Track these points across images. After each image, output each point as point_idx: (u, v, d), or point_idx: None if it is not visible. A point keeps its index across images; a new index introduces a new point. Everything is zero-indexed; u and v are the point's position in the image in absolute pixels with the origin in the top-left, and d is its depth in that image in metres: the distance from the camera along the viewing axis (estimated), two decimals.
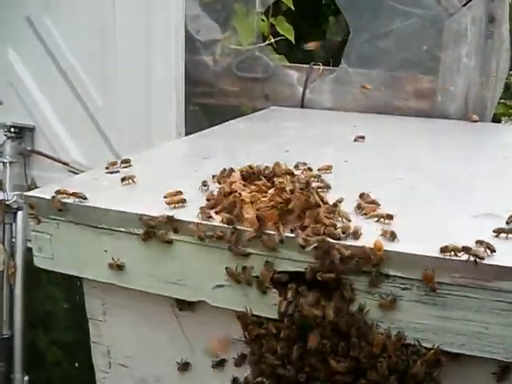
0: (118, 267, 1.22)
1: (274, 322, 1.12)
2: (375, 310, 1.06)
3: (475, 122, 2.48)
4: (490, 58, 2.54)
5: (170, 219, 1.14)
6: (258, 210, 1.08)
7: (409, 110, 2.64)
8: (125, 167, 1.53)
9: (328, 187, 1.29)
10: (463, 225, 1.16)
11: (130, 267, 1.23)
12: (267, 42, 2.83)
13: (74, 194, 1.24)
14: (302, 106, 2.74)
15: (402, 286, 1.04)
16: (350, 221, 1.11)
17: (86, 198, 1.25)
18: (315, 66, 2.77)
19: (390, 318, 1.05)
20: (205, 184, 1.31)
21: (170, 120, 2.69)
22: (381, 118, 2.45)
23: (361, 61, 2.69)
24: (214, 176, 1.33)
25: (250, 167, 1.22)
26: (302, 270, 1.07)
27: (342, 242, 1.04)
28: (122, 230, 1.21)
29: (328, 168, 1.44)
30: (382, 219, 1.14)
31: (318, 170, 1.42)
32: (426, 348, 1.04)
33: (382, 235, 1.06)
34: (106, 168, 1.51)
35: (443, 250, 1.01)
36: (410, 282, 1.03)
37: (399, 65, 2.65)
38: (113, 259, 1.21)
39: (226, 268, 1.12)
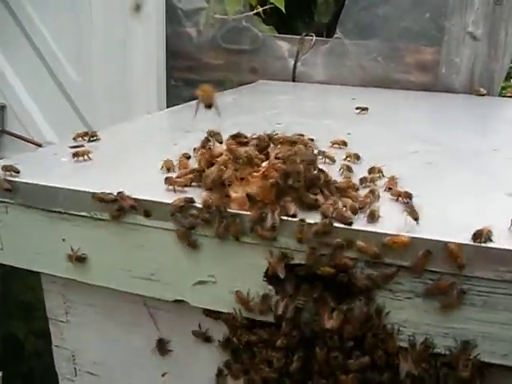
0: (79, 259, 1.03)
1: (270, 326, 0.91)
2: (395, 311, 0.85)
3: (482, 95, 2.27)
4: (499, 27, 2.32)
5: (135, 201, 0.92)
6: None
7: (410, 83, 2.43)
8: (92, 141, 1.30)
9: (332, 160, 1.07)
10: (500, 205, 0.95)
11: (93, 259, 1.02)
12: (255, 11, 2.60)
13: (5, 168, 1.02)
14: (294, 80, 2.51)
15: (430, 282, 0.82)
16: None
17: (18, 172, 1.03)
18: (307, 37, 2.54)
19: (414, 322, 0.85)
20: (187, 157, 1.09)
21: (150, 96, 2.51)
22: (381, 92, 2.23)
23: (357, 30, 2.47)
24: (195, 149, 1.11)
25: (239, 135, 1.00)
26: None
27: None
28: (82, 214, 0.99)
29: (343, 143, 1.22)
30: (399, 197, 0.93)
31: (332, 143, 1.19)
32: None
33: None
34: (74, 139, 1.30)
35: (477, 235, 0.80)
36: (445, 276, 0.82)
37: (399, 34, 2.43)
38: (72, 250, 1.02)
39: None
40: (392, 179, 0.98)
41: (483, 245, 0.78)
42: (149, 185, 1.00)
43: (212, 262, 0.92)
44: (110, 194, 0.95)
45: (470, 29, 2.33)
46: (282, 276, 0.86)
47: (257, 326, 0.92)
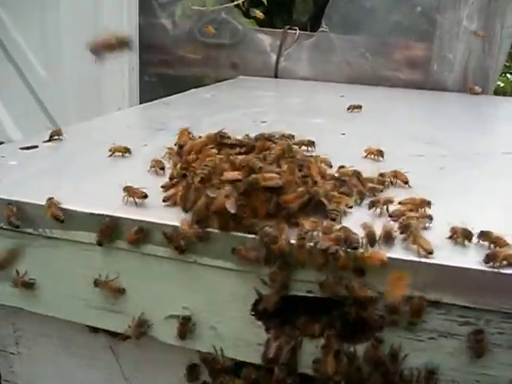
0: (26, 285, 0.86)
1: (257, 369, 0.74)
2: (415, 353, 0.69)
3: (477, 94, 2.13)
4: (494, 22, 2.18)
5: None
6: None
7: (399, 81, 2.28)
8: (51, 140, 1.13)
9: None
10: None
11: (43, 286, 0.85)
12: (235, 3, 2.43)
13: None
14: (276, 76, 2.35)
15: (459, 319, 0.66)
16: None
17: None
18: (290, 31, 2.38)
19: (438, 368, 0.68)
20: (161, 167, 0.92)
21: (121, 92, 2.34)
22: (370, 89, 2.08)
23: (344, 24, 2.31)
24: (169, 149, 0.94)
25: (222, 135, 0.83)
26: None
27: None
28: (29, 230, 0.81)
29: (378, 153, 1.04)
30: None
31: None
32: None
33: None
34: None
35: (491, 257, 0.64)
36: (473, 313, 0.66)
37: (389, 29, 2.27)
38: (17, 274, 0.85)
39: None
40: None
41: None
42: (105, 196, 0.82)
43: (187, 292, 0.76)
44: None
45: (465, 23, 2.19)
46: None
47: (243, 368, 0.76)
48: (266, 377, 0.74)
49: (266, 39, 2.42)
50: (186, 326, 0.76)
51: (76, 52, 2.32)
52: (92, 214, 0.77)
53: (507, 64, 4.89)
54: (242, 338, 0.75)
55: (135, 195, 0.79)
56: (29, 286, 0.85)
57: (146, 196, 0.79)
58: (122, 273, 0.79)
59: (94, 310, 0.82)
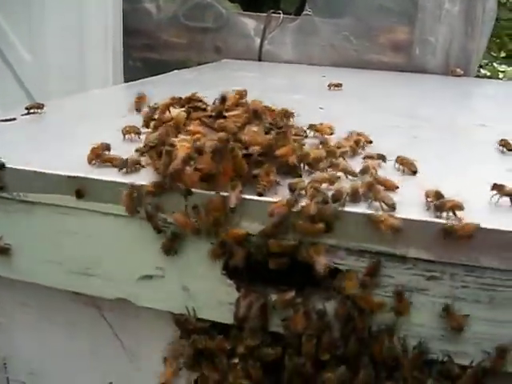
0: (1, 251, 0.86)
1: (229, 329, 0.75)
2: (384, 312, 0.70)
3: (459, 76, 2.14)
4: (476, 4, 2.19)
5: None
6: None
7: (383, 64, 2.28)
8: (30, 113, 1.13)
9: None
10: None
11: (18, 251, 0.85)
12: None
13: None
14: (260, 60, 2.35)
15: (426, 274, 0.68)
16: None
17: None
18: (274, 14, 2.38)
19: (406, 323, 0.69)
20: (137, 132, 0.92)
21: (105, 77, 2.32)
22: (353, 71, 2.08)
23: (328, 7, 2.31)
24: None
25: (193, 98, 0.84)
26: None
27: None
28: (3, 195, 0.81)
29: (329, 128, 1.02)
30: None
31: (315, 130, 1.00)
32: (460, 367, 0.69)
33: None
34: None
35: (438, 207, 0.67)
36: (439, 267, 0.67)
37: (372, 13, 2.28)
38: None
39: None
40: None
41: (492, 227, 0.64)
42: (81, 161, 0.82)
43: (159, 252, 0.76)
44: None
45: (447, 6, 2.20)
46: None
47: (215, 328, 0.77)
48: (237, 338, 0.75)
49: (249, 23, 2.42)
50: None
51: (61, 37, 2.32)
52: (68, 177, 0.78)
53: (494, 54, 4.92)
54: (214, 297, 0.75)
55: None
56: (4, 251, 0.85)
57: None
58: (97, 235, 0.79)
59: (70, 274, 0.82)
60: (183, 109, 0.81)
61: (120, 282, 0.80)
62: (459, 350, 0.69)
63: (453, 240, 0.64)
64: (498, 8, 2.33)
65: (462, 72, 2.15)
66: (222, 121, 0.75)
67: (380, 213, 0.67)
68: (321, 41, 2.33)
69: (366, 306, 0.68)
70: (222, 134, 0.70)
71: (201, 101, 0.84)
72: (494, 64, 4.83)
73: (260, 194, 0.70)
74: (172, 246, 0.74)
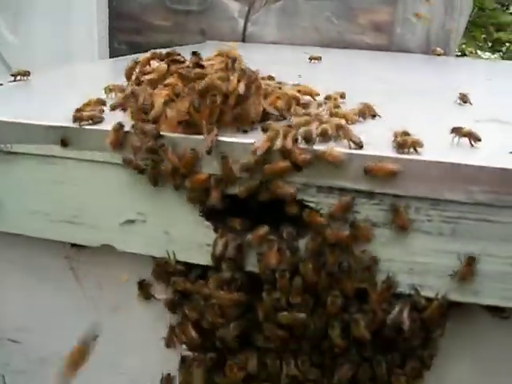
0: None
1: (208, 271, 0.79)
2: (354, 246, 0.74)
3: (439, 55, 2.18)
4: None
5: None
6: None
7: (365, 44, 2.32)
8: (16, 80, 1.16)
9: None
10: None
11: (4, 202, 0.89)
12: None
13: None
14: (244, 42, 2.38)
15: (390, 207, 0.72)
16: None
17: None
18: None
19: (374, 257, 0.73)
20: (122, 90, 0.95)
21: (91, 59, 2.33)
22: (335, 50, 2.12)
23: None
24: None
25: (172, 53, 0.87)
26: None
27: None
28: None
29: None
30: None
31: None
32: (426, 299, 0.73)
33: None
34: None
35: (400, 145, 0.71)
36: (404, 201, 0.71)
37: None
38: None
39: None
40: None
41: (454, 161, 0.68)
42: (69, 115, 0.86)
43: (142, 198, 0.80)
44: None
45: None
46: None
47: (193, 270, 0.80)
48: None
49: (233, 5, 2.45)
50: None
51: (46, 20, 2.33)
52: (52, 127, 0.81)
53: (480, 44, 4.98)
54: (193, 240, 0.79)
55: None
56: None
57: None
58: (82, 184, 0.82)
59: (57, 223, 0.85)
60: (163, 62, 0.84)
61: (104, 228, 0.83)
62: (425, 283, 0.73)
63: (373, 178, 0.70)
64: None
65: (443, 51, 2.19)
66: (199, 70, 0.78)
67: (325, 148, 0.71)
68: (304, 22, 2.36)
69: (336, 241, 0.72)
70: (199, 81, 0.74)
71: (179, 55, 0.88)
72: (478, 51, 4.89)
73: (245, 131, 0.74)
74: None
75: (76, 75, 1.27)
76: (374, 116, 0.85)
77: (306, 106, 0.87)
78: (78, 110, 0.82)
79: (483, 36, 4.88)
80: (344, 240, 0.71)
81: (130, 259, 0.85)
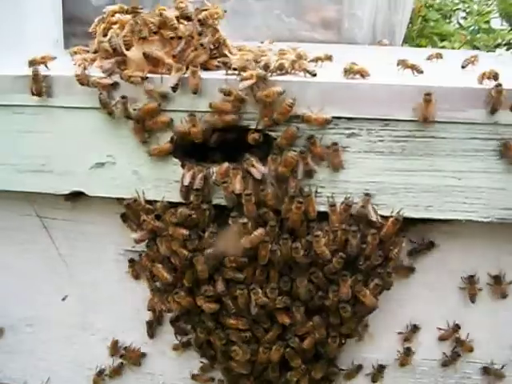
0: None
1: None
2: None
3: (385, 45, 2.27)
4: None
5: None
6: None
7: (315, 40, 2.39)
8: None
9: None
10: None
11: None
12: None
13: None
14: None
15: (346, 132, 0.77)
16: None
17: None
18: None
19: (332, 180, 0.79)
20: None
21: None
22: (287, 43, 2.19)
23: None
24: None
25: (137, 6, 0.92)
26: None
27: None
28: None
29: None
30: None
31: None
32: (382, 216, 0.79)
33: None
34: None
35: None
36: (357, 124, 0.76)
37: None
38: None
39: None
40: None
41: (401, 83, 0.74)
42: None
43: (110, 140, 0.83)
44: None
45: None
46: None
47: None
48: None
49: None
50: None
51: None
52: (19, 76, 0.84)
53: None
54: (161, 177, 0.83)
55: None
56: None
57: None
58: (50, 131, 0.85)
59: (25, 173, 0.87)
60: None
61: (74, 173, 0.85)
62: (380, 201, 0.78)
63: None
64: (427, 9, 2.49)
65: (388, 42, 2.29)
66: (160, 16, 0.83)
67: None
68: (255, 20, 2.43)
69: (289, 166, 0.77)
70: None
71: (142, 8, 0.92)
72: None
73: (225, 63, 0.80)
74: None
75: None
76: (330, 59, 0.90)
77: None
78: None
79: (429, 46, 5.06)
80: (295, 160, 0.76)
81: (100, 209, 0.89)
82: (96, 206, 0.90)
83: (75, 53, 0.98)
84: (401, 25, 2.38)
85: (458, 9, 3.02)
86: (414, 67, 0.81)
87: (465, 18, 3.10)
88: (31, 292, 1.01)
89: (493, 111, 0.73)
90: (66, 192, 0.87)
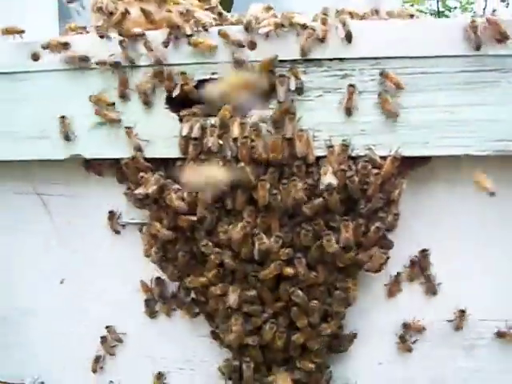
0: None
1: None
2: (308, 114, 0.80)
3: None
4: None
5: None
6: None
7: None
8: None
9: None
10: None
11: None
12: None
13: None
14: None
15: (339, 73, 0.78)
16: None
17: None
18: None
19: (328, 123, 0.79)
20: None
21: None
22: None
23: None
24: None
25: None
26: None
27: None
28: None
29: None
30: None
31: None
32: (380, 157, 0.79)
33: None
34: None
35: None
36: (349, 65, 0.78)
37: None
38: None
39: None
40: None
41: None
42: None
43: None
44: None
45: None
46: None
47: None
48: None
49: None
50: None
51: None
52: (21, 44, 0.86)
53: None
54: (158, 134, 0.83)
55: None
56: None
57: None
58: (48, 95, 0.86)
59: (25, 140, 0.87)
60: None
61: (71, 138, 0.85)
62: (378, 142, 0.79)
63: None
64: None
65: None
66: None
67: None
68: None
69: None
70: None
71: None
72: None
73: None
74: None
75: None
76: None
77: None
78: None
79: None
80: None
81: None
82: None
83: (71, 29, 1.00)
84: None
85: None
86: None
87: None
88: (31, 272, 0.98)
89: (477, 47, 0.75)
90: (65, 156, 0.86)
